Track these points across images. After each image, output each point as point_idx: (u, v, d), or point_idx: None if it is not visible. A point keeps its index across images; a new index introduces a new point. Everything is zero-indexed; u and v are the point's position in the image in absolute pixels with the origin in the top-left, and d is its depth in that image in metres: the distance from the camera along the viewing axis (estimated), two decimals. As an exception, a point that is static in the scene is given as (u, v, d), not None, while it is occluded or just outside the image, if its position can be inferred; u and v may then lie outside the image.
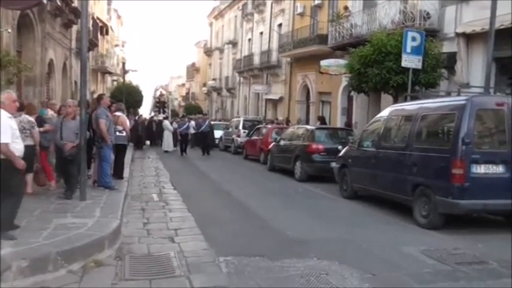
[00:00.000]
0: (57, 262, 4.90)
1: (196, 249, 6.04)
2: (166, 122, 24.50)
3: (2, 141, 5.18)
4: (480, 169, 7.36)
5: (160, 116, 32.03)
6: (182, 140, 22.39)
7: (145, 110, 44.35)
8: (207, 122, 22.97)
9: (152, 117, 31.19)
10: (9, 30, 11.35)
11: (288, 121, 24.07)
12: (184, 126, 22.69)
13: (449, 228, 7.51)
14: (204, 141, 22.15)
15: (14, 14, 11.85)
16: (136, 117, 28.12)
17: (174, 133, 23.63)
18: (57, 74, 18.03)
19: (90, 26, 24.59)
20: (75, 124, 8.14)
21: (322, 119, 21.30)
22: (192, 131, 22.99)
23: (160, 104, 36.94)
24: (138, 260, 5.48)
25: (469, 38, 13.05)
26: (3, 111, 5.38)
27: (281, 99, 28.98)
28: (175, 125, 24.92)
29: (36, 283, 4.61)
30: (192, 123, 23.83)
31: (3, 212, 5.35)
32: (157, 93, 36.80)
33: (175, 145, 23.77)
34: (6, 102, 5.64)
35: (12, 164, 5.34)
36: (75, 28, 20.30)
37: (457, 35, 13.26)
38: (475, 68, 12.95)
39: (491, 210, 7.81)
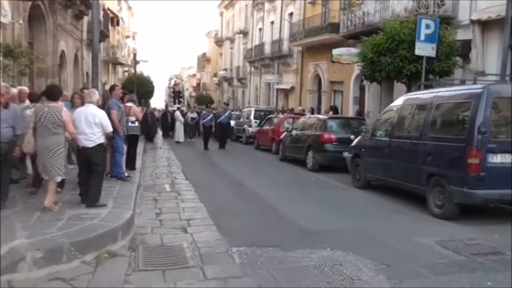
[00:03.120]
0: (71, 253, 4.91)
1: (209, 239, 6.03)
2: (177, 113, 24.49)
3: (109, 130, 7.18)
4: (496, 159, 7.24)
5: (175, 107, 31.51)
6: (205, 133, 20.24)
7: (157, 101, 44.25)
8: (227, 113, 21.32)
9: (167, 108, 30.52)
10: (21, 22, 11.38)
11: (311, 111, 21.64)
12: (208, 118, 20.47)
13: (464, 219, 7.41)
14: (222, 133, 20.57)
15: (25, 6, 11.86)
16: (146, 108, 27.87)
17: (186, 124, 23.56)
18: (69, 65, 18.11)
19: (101, 17, 24.57)
20: (8, 114, 6.65)
21: (334, 109, 21.05)
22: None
23: (175, 94, 36.04)
24: (151, 251, 5.49)
25: (485, 25, 12.81)
26: (97, 108, 7.22)
27: (292, 88, 28.84)
28: (190, 114, 24.68)
29: (50, 274, 4.62)
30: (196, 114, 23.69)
31: (98, 186, 6.97)
32: (172, 83, 35.86)
33: (190, 136, 23.75)
34: (94, 101, 7.21)
35: (103, 148, 7.27)
36: (86, 19, 20.35)
37: (472, 22, 13.01)
38: (490, 56, 12.72)
39: (508, 200, 7.66)
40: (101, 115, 7.09)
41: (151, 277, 4.69)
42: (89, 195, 6.83)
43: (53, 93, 6.70)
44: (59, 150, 6.44)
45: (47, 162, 6.39)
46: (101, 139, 7.03)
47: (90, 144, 6.89)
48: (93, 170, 6.97)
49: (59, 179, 6.61)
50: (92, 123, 6.89)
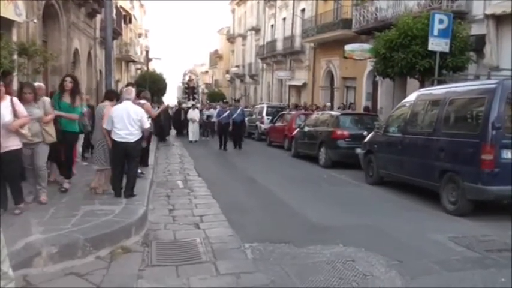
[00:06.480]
0: (86, 248, 4.98)
1: (222, 235, 6.07)
2: (191, 112, 24.18)
3: (147, 126, 7.59)
4: (510, 154, 7.15)
5: (189, 104, 31.21)
6: (222, 131, 18.73)
7: (170, 98, 44.05)
8: (239, 110, 19.15)
9: (180, 105, 30.15)
10: (35, 21, 11.48)
11: (348, 107, 20.04)
12: (225, 115, 18.83)
13: (478, 215, 7.35)
14: (236, 132, 18.67)
15: (39, 5, 11.98)
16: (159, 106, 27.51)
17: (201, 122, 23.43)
18: (82, 63, 18.24)
19: (114, 15, 24.68)
20: None
21: (350, 106, 20.71)
22: (214, 119, 21.85)
23: (189, 90, 35.38)
24: (164, 246, 5.54)
25: (499, 20, 12.67)
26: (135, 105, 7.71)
27: (304, 85, 28.77)
28: (206, 112, 24.50)
29: (65, 269, 4.68)
30: (213, 111, 23.55)
31: (135, 177, 7.49)
32: (186, 78, 35.04)
33: (204, 135, 23.64)
34: (132, 98, 7.70)
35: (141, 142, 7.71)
36: (99, 17, 20.45)
37: (486, 16, 12.88)
38: (505, 51, 12.57)
39: (522, 197, 7.59)
40: (141, 112, 7.50)
41: (165, 272, 4.73)
42: (128, 188, 7.20)
43: (108, 95, 8.25)
44: (101, 144, 7.48)
45: (96, 153, 7.62)
46: (140, 134, 7.39)
47: (133, 139, 7.24)
48: (130, 163, 7.37)
49: (95, 167, 7.63)
50: (134, 119, 7.23)
